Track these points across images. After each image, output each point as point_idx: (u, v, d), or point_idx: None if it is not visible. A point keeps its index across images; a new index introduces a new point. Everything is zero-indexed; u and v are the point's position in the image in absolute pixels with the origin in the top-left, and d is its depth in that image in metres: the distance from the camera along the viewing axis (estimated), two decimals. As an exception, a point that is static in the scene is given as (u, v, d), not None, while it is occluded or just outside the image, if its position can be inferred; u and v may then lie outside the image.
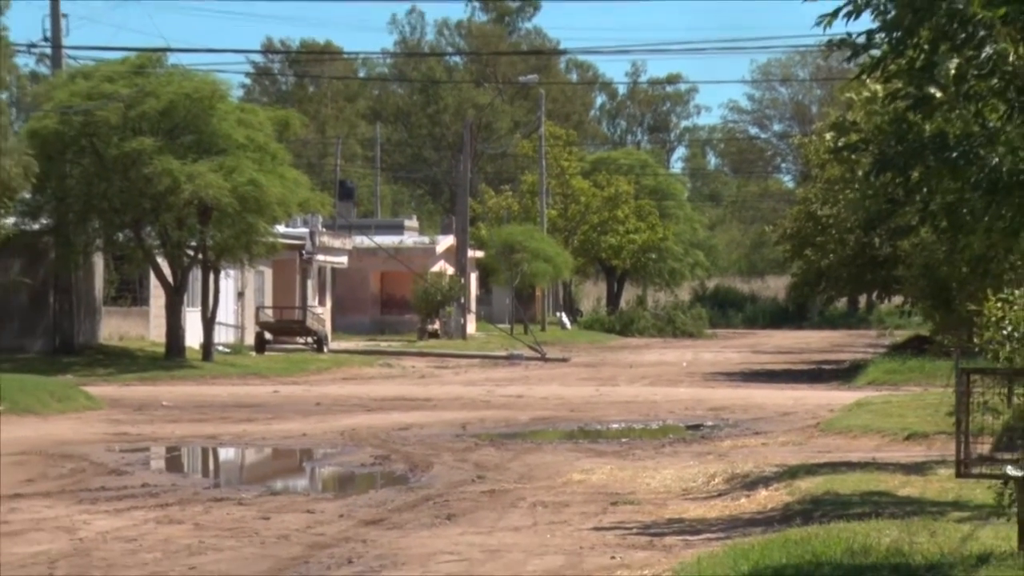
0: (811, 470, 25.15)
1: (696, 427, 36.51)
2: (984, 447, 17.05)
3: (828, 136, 33.10)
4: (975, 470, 16.92)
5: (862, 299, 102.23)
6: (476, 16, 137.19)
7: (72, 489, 25.29)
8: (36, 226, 54.67)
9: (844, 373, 55.65)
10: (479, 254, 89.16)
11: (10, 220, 52.10)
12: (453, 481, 26.34)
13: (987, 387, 17.42)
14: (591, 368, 62.31)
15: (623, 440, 33.90)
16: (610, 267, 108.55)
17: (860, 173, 27.00)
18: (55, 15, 60.05)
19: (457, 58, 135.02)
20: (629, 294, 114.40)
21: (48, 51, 60.55)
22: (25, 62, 58.80)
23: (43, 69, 60.82)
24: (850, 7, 14.45)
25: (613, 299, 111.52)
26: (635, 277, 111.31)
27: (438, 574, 17.65)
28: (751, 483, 24.74)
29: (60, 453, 30.54)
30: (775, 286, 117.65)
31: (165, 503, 23.71)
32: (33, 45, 60.64)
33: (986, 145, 14.43)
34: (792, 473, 25.02)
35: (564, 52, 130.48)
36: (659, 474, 26.78)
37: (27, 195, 51.90)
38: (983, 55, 14.08)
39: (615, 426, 37.14)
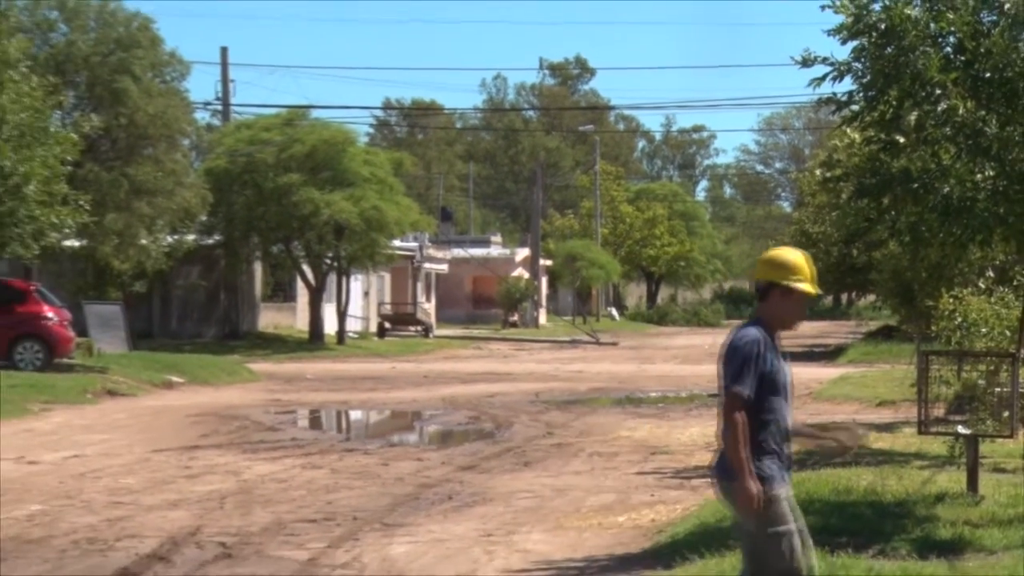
0: (805, 428, 25.12)
1: (715, 395, 36.35)
2: (939, 411, 17.06)
3: (818, 171, 33.09)
4: (933, 429, 16.89)
5: (843, 297, 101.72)
6: (546, 80, 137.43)
7: (238, 442, 25.43)
8: (210, 241, 55.03)
9: (829, 354, 55.54)
10: (548, 262, 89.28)
11: (191, 237, 52.42)
12: (528, 436, 26.38)
13: (942, 365, 17.44)
14: (634, 350, 62.31)
15: (659, 405, 33.88)
16: (649, 272, 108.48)
17: (843, 199, 26.95)
18: (224, 80, 60.54)
19: (531, 112, 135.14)
20: (664, 293, 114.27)
21: (219, 107, 60.97)
22: (202, 116, 58.98)
23: (215, 122, 61.03)
24: (835, 73, 14.46)
25: (651, 297, 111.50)
26: (668, 280, 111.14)
27: (518, 507, 17.69)
28: (759, 438, 24.71)
29: (228, 414, 30.72)
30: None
31: (308, 453, 23.83)
32: (208, 103, 61.16)
33: (940, 178, 14.42)
34: (791, 431, 25.00)
35: (613, 107, 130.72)
36: (687, 431, 26.79)
37: (203, 218, 52.25)
38: (939, 109, 14.09)
39: (653, 394, 37.11)
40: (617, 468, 21.57)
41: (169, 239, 49.14)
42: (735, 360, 8.73)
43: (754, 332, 8.80)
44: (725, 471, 8.79)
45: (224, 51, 60.99)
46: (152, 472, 21.10)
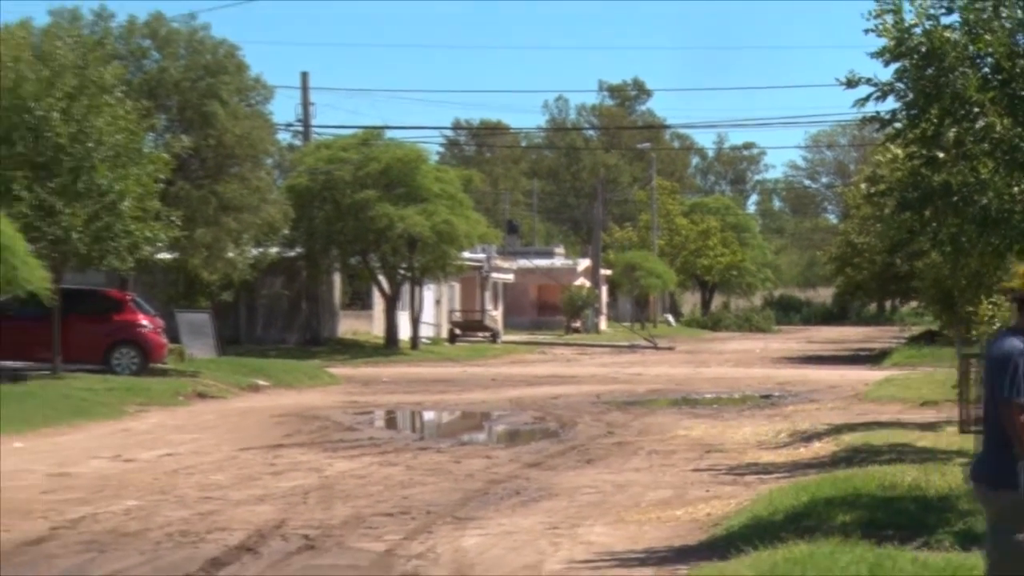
0: (852, 428, 25.03)
1: (767, 396, 36.30)
2: (979, 411, 16.96)
3: (863, 185, 32.95)
4: (973, 428, 16.80)
5: (887, 304, 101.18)
6: (605, 101, 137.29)
7: (319, 441, 25.55)
8: (292, 253, 55.21)
9: (875, 358, 55.22)
10: (608, 272, 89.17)
11: (274, 249, 52.62)
12: (591, 435, 26.38)
13: (981, 367, 17.34)
14: (690, 354, 62.15)
15: (714, 406, 33.80)
16: (703, 281, 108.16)
17: (886, 212, 26.80)
18: (305, 103, 60.77)
19: (592, 131, 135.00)
20: (717, 301, 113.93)
21: (300, 129, 61.20)
22: (284, 137, 59.22)
23: (297, 142, 61.25)
24: (878, 93, 14.42)
25: (705, 304, 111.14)
26: (721, 288, 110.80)
27: (581, 502, 17.70)
28: (808, 437, 24.64)
29: (310, 415, 30.85)
30: (824, 294, 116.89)
31: (385, 451, 23.90)
32: (290, 124, 61.31)
33: (979, 191, 14.35)
34: (838, 430, 24.90)
35: (668, 126, 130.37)
36: (740, 431, 26.72)
37: (286, 232, 52.41)
38: (977, 126, 14.04)
39: (708, 396, 37.02)
40: (674, 465, 21.55)
41: (254, 252, 49.36)
42: (1007, 370, 8.39)
43: (1020, 343, 8.51)
44: (997, 478, 8.48)
45: (305, 76, 61.28)
46: (240, 469, 21.23)
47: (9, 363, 37.50)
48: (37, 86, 34.87)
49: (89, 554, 14.11)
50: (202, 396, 35.44)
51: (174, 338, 42.43)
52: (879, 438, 22.43)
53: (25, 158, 34.63)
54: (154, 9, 46.66)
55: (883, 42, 14.34)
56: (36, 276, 32.10)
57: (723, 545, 13.56)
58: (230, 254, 46.48)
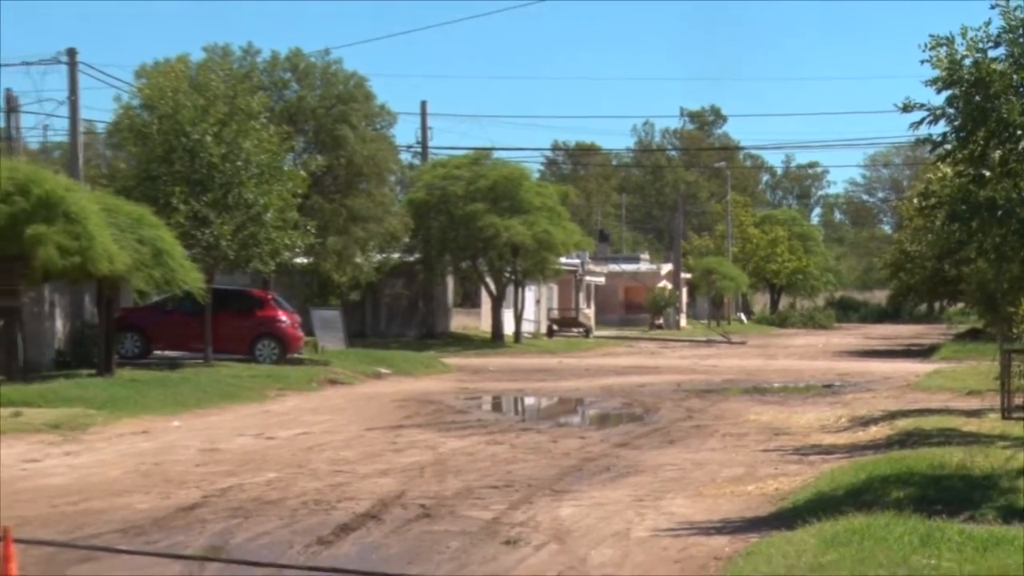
0: (905, 414, 24.70)
1: (828, 386, 35.94)
2: (1020, 400, 16.74)
3: (915, 200, 32.44)
4: (1015, 415, 16.54)
5: (937, 304, 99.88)
6: (686, 125, 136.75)
7: (434, 422, 25.58)
8: (411, 259, 55.38)
9: (925, 352, 54.51)
10: (687, 275, 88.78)
11: (396, 255, 52.87)
12: (672, 419, 26.23)
13: (1022, 361, 17.09)
14: (760, 348, 61.71)
15: (781, 394, 33.51)
16: (772, 283, 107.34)
17: (937, 223, 26.48)
18: (423, 127, 61.00)
19: (673, 152, 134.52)
20: (784, 301, 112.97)
21: (419, 150, 61.40)
22: (405, 156, 59.47)
23: (416, 161, 61.47)
24: (931, 117, 14.29)
25: (774, 304, 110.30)
26: (788, 290, 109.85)
27: (664, 478, 17.60)
28: (865, 422, 24.36)
29: (426, 399, 30.91)
30: (879, 296, 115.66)
31: (491, 431, 23.89)
32: (410, 146, 61.54)
33: (1021, 205, 14.17)
34: (892, 416, 24.60)
35: (742, 148, 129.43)
36: (805, 416, 26.47)
37: (406, 240, 52.61)
38: (1020, 147, 13.86)
39: (776, 385, 36.72)
40: (746, 446, 21.38)
41: (378, 257, 49.63)
42: None
43: None
44: None
45: (424, 104, 61.49)
46: (365, 446, 21.30)
47: (168, 353, 37.96)
48: (193, 113, 35.25)
49: (236, 519, 14.21)
50: (333, 382, 35.62)
51: (309, 332, 42.72)
52: (929, 423, 22.14)
53: (183, 175, 35.03)
54: (294, 45, 46.92)
55: (936, 72, 14.21)
56: (191, 277, 32.46)
57: (790, 517, 13.42)
58: (358, 259, 46.79)
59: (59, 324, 36.24)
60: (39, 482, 17.04)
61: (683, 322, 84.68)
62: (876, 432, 22.41)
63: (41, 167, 32.20)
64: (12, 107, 42.82)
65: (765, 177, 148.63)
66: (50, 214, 28.08)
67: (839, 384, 36.42)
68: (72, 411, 25.09)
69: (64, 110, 39.57)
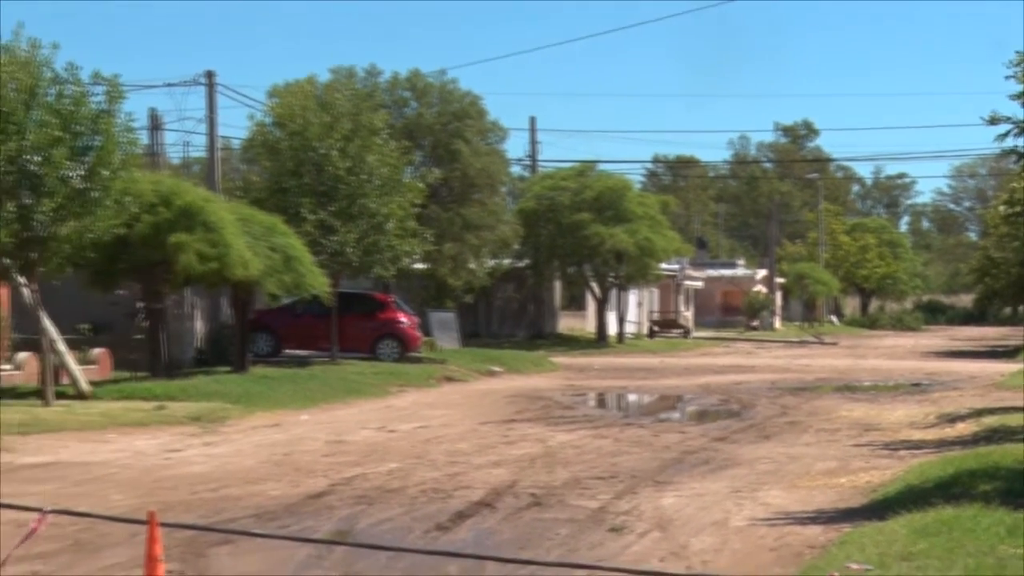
0: (991, 411, 24.26)
1: (917, 384, 35.42)
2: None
3: (1001, 208, 31.84)
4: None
5: (1021, 307, 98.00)
6: (780, 139, 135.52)
7: (543, 417, 25.58)
8: (521, 264, 55.38)
9: (1009, 353, 53.48)
10: (781, 280, 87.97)
11: (507, 261, 52.95)
12: (767, 415, 26.00)
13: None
14: (850, 349, 60.96)
15: (871, 392, 33.07)
16: (862, 287, 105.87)
17: (1022, 231, 26.07)
18: (533, 142, 61.01)
19: (768, 164, 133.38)
20: (874, 304, 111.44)
21: (529, 163, 61.41)
22: (516, 169, 59.46)
23: (526, 173, 61.45)
24: (1016, 129, 14.06)
25: (864, 307, 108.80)
26: (878, 293, 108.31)
27: (760, 470, 17.43)
28: (952, 419, 23.96)
29: (536, 396, 30.93)
30: (965, 299, 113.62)
31: (597, 426, 23.85)
32: (520, 159, 61.50)
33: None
34: (979, 413, 24.17)
35: (833, 160, 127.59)
36: (894, 413, 26.10)
37: (516, 247, 52.67)
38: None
39: (866, 383, 36.24)
40: (838, 441, 21.12)
41: (491, 263, 49.73)
42: None
43: None
44: None
45: (533, 120, 61.54)
46: (479, 439, 21.34)
47: (298, 351, 38.33)
48: (320, 129, 35.56)
49: (360, 506, 14.29)
50: (449, 379, 35.75)
51: (427, 332, 42.91)
52: (1014, 420, 21.72)
53: (310, 187, 35.34)
54: (413, 67, 47.09)
55: (1021, 87, 13.98)
56: (319, 282, 32.75)
57: (881, 508, 13.22)
58: (472, 265, 46.91)
59: (198, 325, 36.75)
60: (181, 470, 17.27)
61: (777, 324, 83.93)
62: (963, 428, 22.03)
63: (182, 180, 32.68)
64: (156, 125, 43.51)
65: (855, 187, 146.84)
66: (191, 223, 28.48)
67: (927, 383, 35.87)
68: (210, 405, 25.42)
69: (203, 128, 40.24)
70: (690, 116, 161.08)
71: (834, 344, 66.13)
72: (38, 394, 24.98)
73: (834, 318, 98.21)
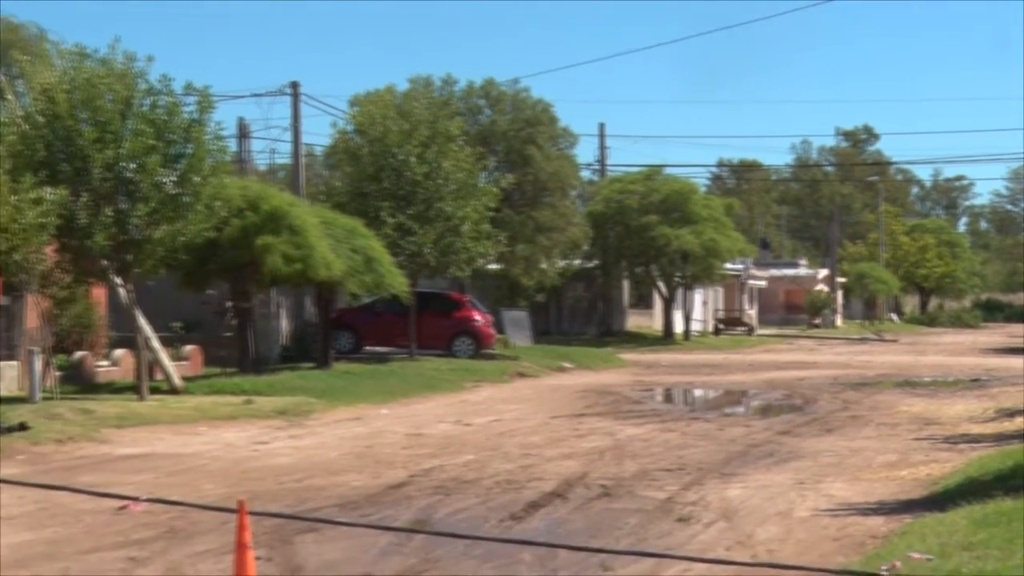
0: (1048, 407, 23.94)
1: (975, 380, 34.91)
2: None
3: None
4: None
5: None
6: (841, 143, 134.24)
7: (612, 411, 25.51)
8: (591, 265, 55.30)
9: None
10: (842, 279, 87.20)
11: (577, 261, 52.88)
12: (829, 410, 25.77)
13: None
14: (910, 346, 60.27)
15: (931, 387, 32.66)
16: (921, 286, 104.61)
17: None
18: (602, 147, 60.96)
19: (829, 167, 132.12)
20: (933, 302, 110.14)
21: (598, 167, 61.30)
22: (586, 173, 59.31)
23: (595, 177, 61.28)
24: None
25: (923, 305, 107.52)
26: (937, 292, 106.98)
27: (823, 463, 17.27)
28: (1011, 413, 23.61)
29: (605, 391, 30.86)
30: (1023, 297, 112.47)
31: (664, 419, 23.75)
32: (590, 164, 61.38)
33: None
34: (1036, 408, 23.86)
35: (893, 163, 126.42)
36: (953, 408, 25.78)
37: (586, 248, 52.59)
38: None
39: (926, 379, 35.78)
40: (898, 435, 20.89)
41: (561, 263, 49.68)
42: None
43: None
44: None
45: (602, 126, 61.46)
46: (551, 432, 21.32)
47: (378, 348, 38.51)
48: (399, 136, 35.69)
49: (438, 496, 14.32)
50: (521, 375, 35.75)
51: (500, 330, 42.96)
52: (1072, 415, 21.40)
53: (389, 192, 35.49)
54: (487, 76, 47.24)
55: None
56: (398, 282, 32.88)
57: (941, 500, 13.05)
58: (543, 265, 46.90)
59: (284, 323, 37.02)
60: (268, 462, 17.40)
61: (839, 322, 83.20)
62: (1021, 423, 21.68)
63: (269, 186, 32.92)
64: (244, 133, 43.88)
65: (915, 189, 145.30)
66: (276, 227, 28.69)
67: (985, 378, 35.36)
68: (295, 399, 25.60)
69: (288, 135, 40.49)
70: (753, 121, 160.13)
71: (894, 341, 65.42)
72: (134, 389, 25.28)
73: (894, 316, 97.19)
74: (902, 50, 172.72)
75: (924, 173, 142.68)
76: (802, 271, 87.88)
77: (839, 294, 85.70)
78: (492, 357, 38.61)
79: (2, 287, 26.22)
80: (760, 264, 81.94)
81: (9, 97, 27.12)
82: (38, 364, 23.69)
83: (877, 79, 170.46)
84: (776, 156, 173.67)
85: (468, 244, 36.66)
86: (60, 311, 27.87)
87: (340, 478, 15.71)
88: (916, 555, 9.62)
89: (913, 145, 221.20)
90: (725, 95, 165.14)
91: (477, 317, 39.47)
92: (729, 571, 10.03)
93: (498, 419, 23.69)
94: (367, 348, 38.39)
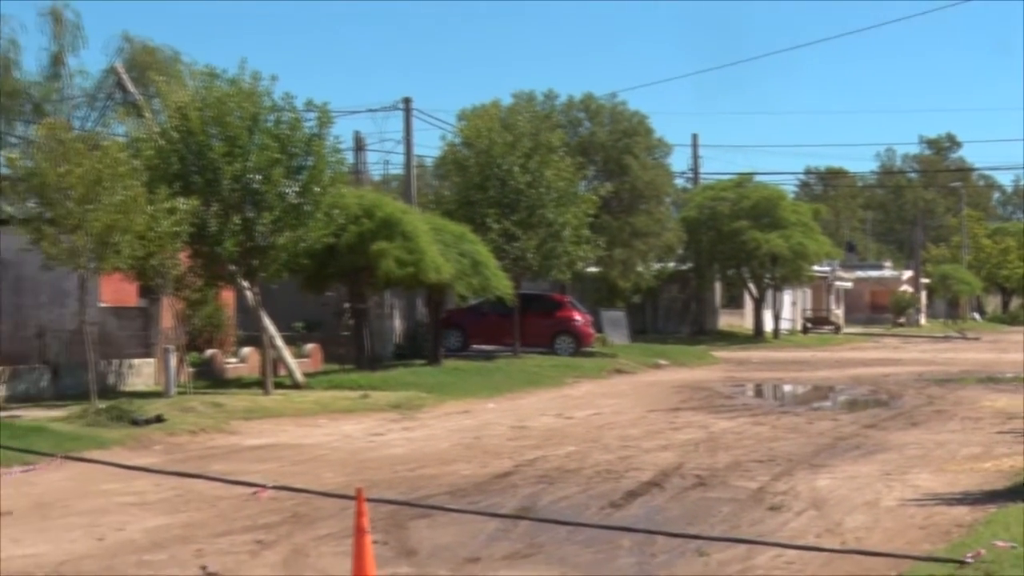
0: None
1: (1056, 377, 34.10)
2: None
3: None
4: None
5: None
6: (924, 151, 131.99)
7: (705, 405, 25.32)
8: (684, 267, 55.01)
9: None
10: (926, 280, 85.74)
11: (671, 264, 52.64)
12: (914, 405, 25.33)
13: None
14: (993, 344, 58.98)
15: (1013, 383, 31.86)
16: (1003, 287, 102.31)
17: None
18: (695, 157, 60.59)
19: (913, 174, 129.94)
20: (1015, 302, 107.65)
21: (691, 175, 60.91)
22: (680, 181, 58.95)
23: (688, 185, 60.90)
24: None
25: (1005, 304, 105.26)
26: (1019, 292, 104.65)
27: (908, 455, 16.97)
28: (1092, 409, 23.04)
29: (698, 386, 30.64)
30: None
31: (755, 414, 23.51)
32: (683, 172, 61.03)
33: None
34: (1117, 404, 23.21)
35: (975, 169, 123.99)
36: (1036, 403, 25.21)
37: (680, 252, 52.29)
38: None
39: (1008, 375, 34.95)
40: (982, 429, 20.46)
41: (656, 266, 49.44)
42: None
43: None
44: None
45: (695, 136, 61.07)
46: (647, 425, 21.23)
47: (484, 346, 38.63)
48: (504, 148, 35.77)
49: (541, 484, 14.32)
50: (619, 372, 35.64)
51: (599, 329, 42.88)
52: None
53: (495, 200, 35.58)
54: (587, 90, 47.14)
55: None
56: (503, 284, 32.96)
57: (1024, 491, 12.78)
58: (639, 268, 46.70)
59: (397, 323, 37.30)
60: (383, 452, 17.53)
61: (923, 321, 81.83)
62: (1102, 417, 21.15)
63: (383, 195, 33.20)
64: (360, 146, 44.28)
65: (996, 195, 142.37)
66: (390, 233, 28.92)
67: (1067, 374, 34.53)
68: (408, 394, 25.76)
69: (401, 148, 40.80)
70: (839, 130, 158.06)
71: (977, 339, 64.11)
72: (260, 384, 25.62)
73: (976, 315, 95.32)
74: (981, 59, 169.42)
75: (1006, 179, 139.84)
76: (887, 273, 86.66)
77: (923, 294, 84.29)
78: (591, 355, 38.54)
79: (140, 290, 26.76)
80: (846, 266, 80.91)
81: (147, 115, 27.69)
82: (173, 361, 24.12)
83: (959, 89, 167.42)
84: (861, 164, 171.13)
85: (569, 248, 36.62)
86: (192, 312, 28.37)
87: (450, 467, 15.77)
88: (1000, 543, 9.43)
89: (994, 152, 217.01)
90: (811, 106, 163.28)
91: (577, 317, 39.43)
92: (819, 557, 9.90)
93: (597, 413, 23.63)
94: (474, 346, 38.52)
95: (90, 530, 11.24)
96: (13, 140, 37.04)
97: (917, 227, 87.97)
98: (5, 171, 24.79)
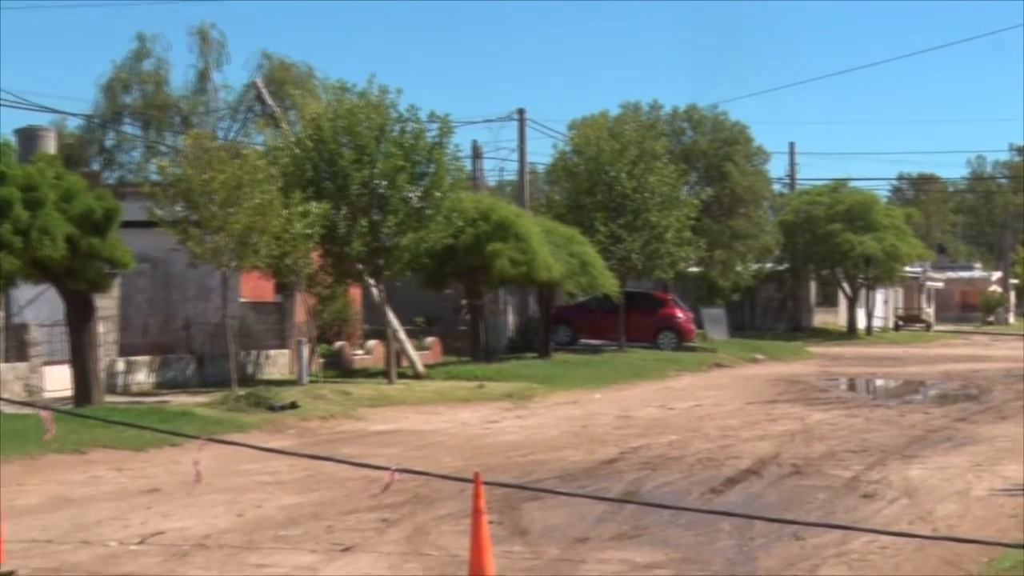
0: None
1: None
2: None
3: None
4: None
5: None
6: (1014, 158, 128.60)
7: (801, 398, 24.96)
8: (781, 268, 54.34)
9: None
10: (1015, 281, 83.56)
11: (768, 265, 52.05)
12: (1003, 399, 24.66)
13: None
14: (1080, 342, 57.28)
15: (1100, 381, 30.99)
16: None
17: None
18: (791, 163, 59.93)
19: (1003, 180, 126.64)
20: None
21: (788, 181, 60.21)
22: (777, 187, 58.29)
23: (785, 190, 60.11)
24: None
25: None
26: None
27: (998, 447, 16.52)
28: None
29: (794, 380, 30.23)
30: None
31: (848, 406, 23.13)
32: (780, 178, 60.38)
33: None
34: None
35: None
36: (1122, 399, 24.39)
37: (777, 253, 51.66)
38: None
39: (1096, 373, 33.99)
40: (1071, 423, 19.86)
41: (755, 266, 48.94)
42: None
43: None
44: None
45: (792, 145, 60.58)
46: (745, 417, 21.00)
47: (591, 341, 38.56)
48: (611, 155, 35.68)
49: (645, 471, 14.25)
50: (719, 366, 35.33)
51: (699, 325, 42.54)
52: None
53: (602, 204, 35.51)
54: (690, 101, 47.01)
55: None
56: (609, 283, 32.87)
57: (1113, 485, 12.36)
58: (738, 268, 46.27)
59: (510, 318, 37.41)
60: (497, 439, 17.59)
61: (1011, 319, 79.74)
62: None
63: (498, 199, 33.33)
64: (477, 154, 44.57)
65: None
66: (504, 235, 29.02)
67: None
68: (520, 385, 25.82)
69: (515, 156, 40.90)
70: (932, 137, 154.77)
71: (1064, 337, 62.29)
72: (384, 374, 25.89)
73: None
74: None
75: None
76: (976, 273, 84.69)
77: (1012, 294, 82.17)
78: (692, 349, 38.27)
79: (276, 287, 27.22)
80: (937, 267, 79.28)
81: (283, 126, 28.14)
82: (305, 352, 24.48)
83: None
84: (952, 170, 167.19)
85: (671, 249, 36.40)
86: (323, 307, 28.78)
87: (559, 454, 15.77)
88: (1089, 534, 9.14)
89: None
90: (904, 115, 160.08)
91: (679, 314, 39.17)
92: (912, 543, 9.69)
93: (698, 404, 23.45)
94: (582, 341, 38.47)
95: (231, 506, 11.46)
96: (163, 149, 37.96)
97: (1007, 230, 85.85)
98: (156, 177, 25.41)
